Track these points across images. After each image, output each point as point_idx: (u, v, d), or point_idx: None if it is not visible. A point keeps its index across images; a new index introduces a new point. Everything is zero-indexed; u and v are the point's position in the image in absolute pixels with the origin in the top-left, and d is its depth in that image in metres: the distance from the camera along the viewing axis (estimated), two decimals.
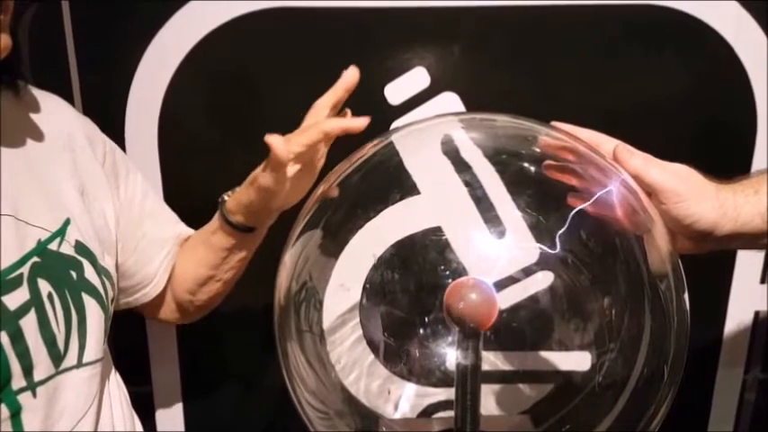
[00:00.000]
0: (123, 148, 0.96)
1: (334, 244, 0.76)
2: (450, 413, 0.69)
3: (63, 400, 0.70)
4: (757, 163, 1.03)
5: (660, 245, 0.68)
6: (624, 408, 0.71)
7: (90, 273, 0.73)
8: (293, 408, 0.73)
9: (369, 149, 0.73)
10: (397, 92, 1.00)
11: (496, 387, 0.92)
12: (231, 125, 1.02)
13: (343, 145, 0.78)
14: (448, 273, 0.74)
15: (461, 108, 1.00)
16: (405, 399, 0.84)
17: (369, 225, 0.76)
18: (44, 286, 0.69)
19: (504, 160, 0.74)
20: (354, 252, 0.77)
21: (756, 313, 1.11)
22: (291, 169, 0.78)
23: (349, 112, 0.81)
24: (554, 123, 0.73)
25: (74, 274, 0.72)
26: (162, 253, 0.89)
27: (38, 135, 0.75)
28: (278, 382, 0.74)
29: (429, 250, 0.78)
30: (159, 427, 1.15)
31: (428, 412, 0.87)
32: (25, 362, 0.66)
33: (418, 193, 0.77)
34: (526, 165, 0.73)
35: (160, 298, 0.91)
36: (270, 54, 0.99)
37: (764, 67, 0.99)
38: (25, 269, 0.68)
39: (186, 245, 0.92)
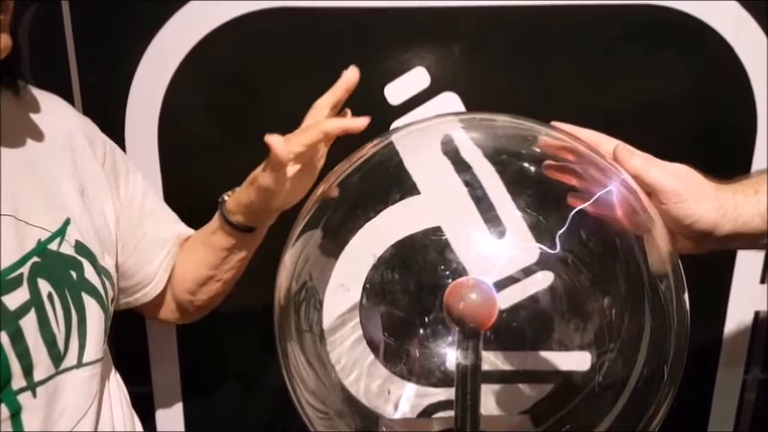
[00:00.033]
0: (123, 148, 0.96)
1: (334, 244, 0.76)
2: (450, 413, 0.69)
3: (63, 400, 0.70)
4: (757, 163, 1.03)
5: (660, 245, 0.68)
6: (624, 408, 0.71)
7: (90, 273, 0.73)
8: (293, 408, 0.73)
9: (369, 149, 0.73)
10: (397, 92, 1.00)
11: (496, 387, 0.92)
12: (231, 125, 1.02)
13: (343, 145, 0.78)
14: (448, 273, 0.74)
15: (461, 108, 1.00)
16: (405, 399, 0.84)
17: (369, 225, 0.76)
18: (44, 286, 0.69)
19: (504, 160, 0.74)
20: (354, 252, 0.77)
21: (756, 313, 1.11)
22: (291, 169, 0.78)
23: (349, 112, 0.81)
24: (554, 123, 0.73)
25: (74, 274, 0.72)
26: (162, 253, 0.89)
27: (38, 135, 0.75)
28: (278, 382, 0.74)
29: (429, 250, 0.78)
30: (159, 427, 1.15)
31: (428, 412, 0.87)
32: (25, 362, 0.66)
33: (418, 193, 0.77)
34: (526, 165, 0.73)
35: (160, 298, 0.91)
36: (270, 54, 0.99)
37: (764, 67, 0.99)
38: (25, 269, 0.68)
39: (186, 245, 0.92)
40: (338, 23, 0.97)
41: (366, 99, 0.82)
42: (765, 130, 1.02)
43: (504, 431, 0.84)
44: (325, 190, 0.74)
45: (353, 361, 0.85)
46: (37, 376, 0.67)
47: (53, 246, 0.71)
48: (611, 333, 0.75)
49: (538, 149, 0.72)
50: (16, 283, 0.67)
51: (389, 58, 0.99)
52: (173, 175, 1.03)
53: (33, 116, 0.76)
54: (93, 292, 0.73)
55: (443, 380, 0.79)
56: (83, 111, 0.96)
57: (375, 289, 0.82)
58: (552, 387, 0.90)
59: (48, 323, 0.68)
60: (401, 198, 0.77)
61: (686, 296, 0.69)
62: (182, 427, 1.16)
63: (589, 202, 0.67)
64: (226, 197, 0.84)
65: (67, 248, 0.72)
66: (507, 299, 0.75)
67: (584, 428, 0.74)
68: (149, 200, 0.89)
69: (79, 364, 0.71)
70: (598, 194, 0.67)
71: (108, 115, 0.96)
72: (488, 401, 0.90)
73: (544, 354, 0.87)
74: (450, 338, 0.73)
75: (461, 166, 0.76)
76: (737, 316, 1.11)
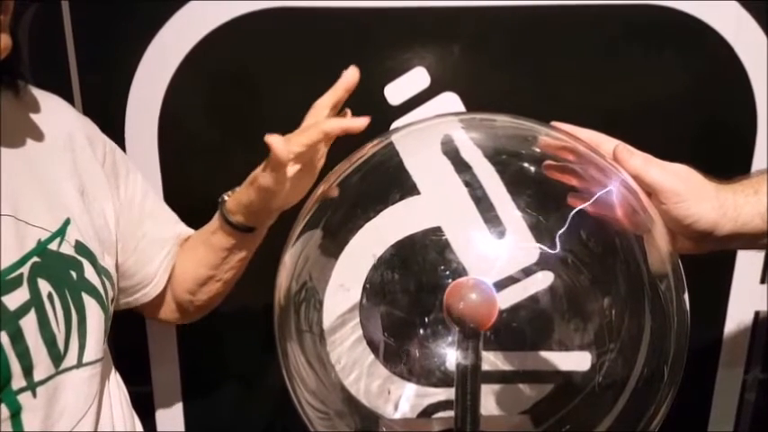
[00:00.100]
0: (123, 148, 0.96)
1: (334, 244, 0.76)
2: (451, 413, 0.69)
3: (63, 400, 0.70)
4: (757, 163, 1.03)
5: (660, 245, 0.68)
6: (624, 408, 0.71)
7: (90, 273, 0.73)
8: (293, 408, 0.73)
9: (369, 149, 0.73)
10: (397, 92, 1.00)
11: (496, 387, 0.92)
12: (231, 125, 1.02)
13: (343, 145, 0.78)
14: (448, 273, 0.74)
15: (461, 108, 1.00)
16: (405, 399, 0.84)
17: (369, 225, 0.76)
18: (44, 286, 0.69)
19: (504, 160, 0.74)
20: (354, 252, 0.77)
21: (756, 313, 1.11)
22: (291, 169, 0.78)
23: (349, 111, 0.81)
24: (554, 123, 0.73)
25: (74, 274, 0.72)
26: (162, 253, 0.89)
27: (38, 135, 0.75)
28: (278, 382, 0.74)
29: (429, 250, 0.78)
30: (159, 427, 1.15)
31: (428, 412, 0.87)
32: (25, 362, 0.66)
33: (418, 193, 0.77)
34: (526, 165, 0.73)
35: (160, 298, 0.91)
36: (270, 54, 0.99)
37: (764, 67, 0.99)
38: (25, 269, 0.68)
39: (186, 245, 0.92)
40: (338, 23, 0.97)
41: (366, 99, 0.82)
42: (765, 130, 1.02)
43: (504, 431, 0.84)
44: (325, 190, 0.74)
45: (353, 361, 0.85)
46: (37, 376, 0.67)
47: (53, 246, 0.71)
48: (611, 333, 0.75)
49: (538, 149, 0.72)
50: (16, 283, 0.67)
51: (389, 58, 0.99)
52: (173, 175, 1.03)
53: (33, 116, 0.76)
54: (93, 292, 0.73)
55: (443, 380, 0.79)
56: (83, 111, 0.97)
57: (375, 289, 0.82)
58: (552, 387, 0.90)
59: (48, 323, 0.68)
60: (401, 198, 0.77)
61: (686, 296, 0.69)
62: (182, 427, 1.16)
63: (589, 202, 0.67)
64: (226, 197, 0.84)
65: (67, 248, 0.72)
66: (507, 299, 0.75)
67: (584, 428, 0.74)
68: (149, 200, 0.89)
69: (79, 364, 0.71)
70: (598, 194, 0.67)
71: (108, 115, 0.96)
72: (488, 401, 0.90)
73: (544, 354, 0.87)
74: (450, 338, 0.73)
75: (461, 166, 0.76)
76: (737, 316, 1.11)
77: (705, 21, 0.97)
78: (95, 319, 0.73)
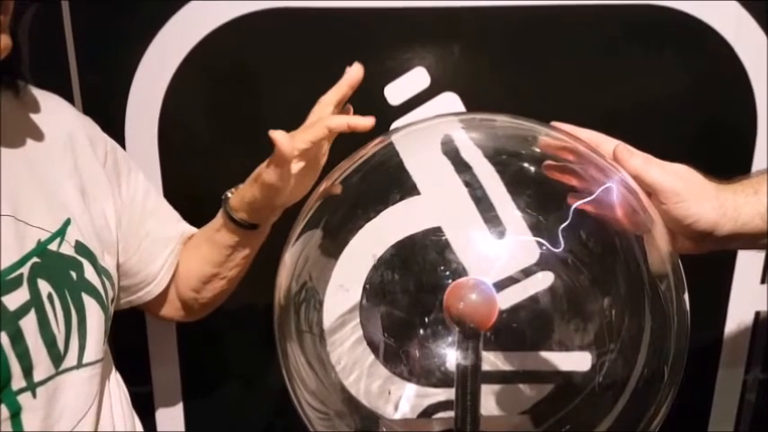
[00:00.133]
0: (123, 147, 0.96)
1: (334, 244, 0.76)
2: (451, 413, 0.69)
3: (63, 401, 0.70)
4: (757, 163, 1.03)
5: (660, 245, 0.68)
6: (624, 408, 0.71)
7: (90, 273, 0.73)
8: (293, 408, 0.73)
9: (368, 150, 0.73)
10: (397, 92, 1.00)
11: (496, 387, 0.92)
12: (231, 125, 1.02)
13: (344, 144, 0.78)
14: (448, 273, 0.74)
15: (461, 108, 1.00)
16: (405, 399, 0.84)
17: (369, 225, 0.76)
18: (44, 287, 0.69)
19: (504, 160, 0.74)
20: (354, 252, 0.77)
21: (757, 313, 1.11)
22: (295, 166, 0.78)
23: (351, 108, 0.81)
24: (554, 123, 0.73)
25: (74, 274, 0.72)
26: (165, 252, 0.89)
27: (38, 135, 0.75)
28: (278, 382, 0.74)
29: (429, 251, 0.78)
30: (159, 427, 1.15)
31: (428, 413, 0.87)
32: (25, 362, 0.66)
33: (418, 193, 0.77)
34: (526, 165, 0.73)
35: (163, 296, 0.91)
36: (270, 54, 0.99)
37: (764, 67, 0.99)
38: (25, 269, 0.68)
39: (190, 243, 0.92)
40: (338, 23, 0.97)
41: (366, 99, 0.82)
42: (765, 130, 1.02)
43: (503, 431, 0.84)
44: (327, 187, 0.74)
45: (354, 361, 0.85)
46: (37, 377, 0.67)
47: (53, 246, 0.71)
48: (611, 333, 0.75)
49: (538, 150, 0.72)
50: (16, 284, 0.67)
51: (389, 58, 0.99)
52: (173, 174, 1.03)
53: (33, 116, 0.76)
54: (93, 292, 0.73)
55: (443, 380, 0.79)
56: (83, 111, 0.96)
57: (375, 289, 0.82)
58: (552, 387, 0.89)
59: (48, 324, 0.68)
60: (401, 198, 0.76)
61: (686, 296, 0.69)
62: (182, 427, 1.16)
63: (591, 198, 0.67)
64: (229, 194, 0.84)
65: (67, 249, 0.72)
66: (507, 299, 0.75)
67: (584, 429, 0.74)
68: (151, 198, 0.89)
69: (79, 365, 0.71)
70: (600, 189, 0.67)
71: (108, 115, 0.96)
72: (488, 402, 0.90)
73: (544, 354, 0.87)
74: (450, 339, 0.73)
75: (461, 166, 0.76)
76: (738, 316, 1.11)
77: (705, 21, 0.97)
78: (95, 320, 0.73)
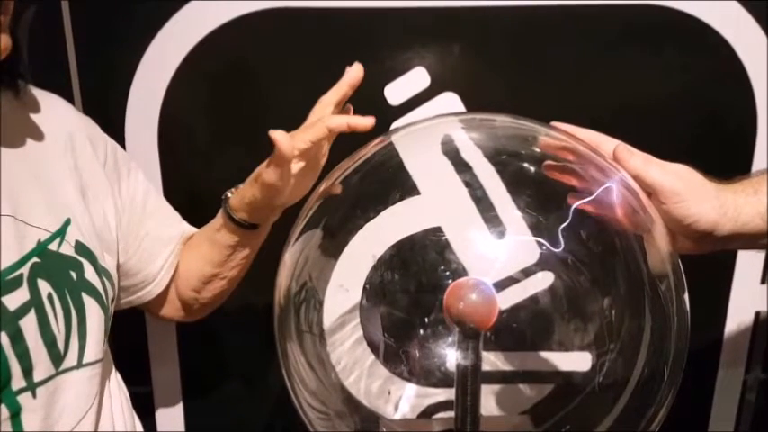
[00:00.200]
0: (123, 147, 0.96)
1: (333, 244, 0.76)
2: (451, 414, 0.69)
3: (63, 401, 0.70)
4: (757, 163, 1.03)
5: (660, 245, 0.68)
6: (624, 408, 0.71)
7: (90, 273, 0.73)
8: (293, 408, 0.73)
9: (368, 150, 0.73)
10: (397, 92, 1.00)
11: (496, 387, 0.92)
12: (231, 125, 1.02)
13: (344, 144, 0.78)
14: (448, 273, 0.74)
15: (461, 108, 1.00)
16: (405, 399, 0.84)
17: (369, 225, 0.76)
18: (44, 287, 0.69)
19: (504, 160, 0.74)
20: (354, 252, 0.77)
21: (757, 314, 1.11)
22: (296, 166, 0.78)
23: (351, 108, 0.81)
24: (554, 123, 0.73)
25: (74, 274, 0.72)
26: (165, 252, 0.89)
27: (38, 135, 0.75)
28: (278, 382, 0.74)
29: (429, 251, 0.78)
30: (159, 427, 1.15)
31: (428, 413, 0.87)
32: (25, 362, 0.66)
33: (418, 193, 0.77)
34: (526, 165, 0.73)
35: (163, 296, 0.91)
36: (270, 54, 0.99)
37: (764, 67, 0.99)
38: (25, 270, 0.68)
39: (190, 243, 0.92)
40: (338, 23, 0.97)
41: (366, 99, 0.82)
42: (765, 130, 1.02)
43: (503, 431, 0.84)
44: (327, 187, 0.74)
45: (354, 361, 0.85)
46: (37, 377, 0.67)
47: (53, 246, 0.71)
48: (611, 333, 0.75)
49: (538, 150, 0.72)
50: (16, 284, 0.67)
51: (389, 58, 0.99)
52: (173, 175, 1.03)
53: (34, 116, 0.76)
54: (93, 292, 0.73)
55: (443, 380, 0.79)
56: (83, 111, 0.97)
57: (375, 289, 0.82)
58: (552, 387, 0.89)
59: (48, 324, 0.68)
60: (401, 198, 0.76)
61: (686, 296, 0.69)
62: (182, 427, 1.16)
63: (591, 198, 0.67)
64: (229, 194, 0.84)
65: (67, 249, 0.72)
66: (507, 299, 0.75)
67: (584, 429, 0.74)
68: (151, 198, 0.89)
69: (79, 365, 0.71)
70: (600, 189, 0.67)
71: (108, 115, 0.96)
72: (488, 402, 0.90)
73: (544, 354, 0.87)
74: (450, 339, 0.73)
75: (461, 166, 0.76)
76: (738, 316, 1.11)
77: (705, 21, 0.97)
78: (95, 320, 0.73)
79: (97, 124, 0.85)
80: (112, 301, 0.78)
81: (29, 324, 0.67)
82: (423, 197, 0.77)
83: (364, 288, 0.82)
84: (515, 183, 0.75)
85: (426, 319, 0.76)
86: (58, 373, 0.69)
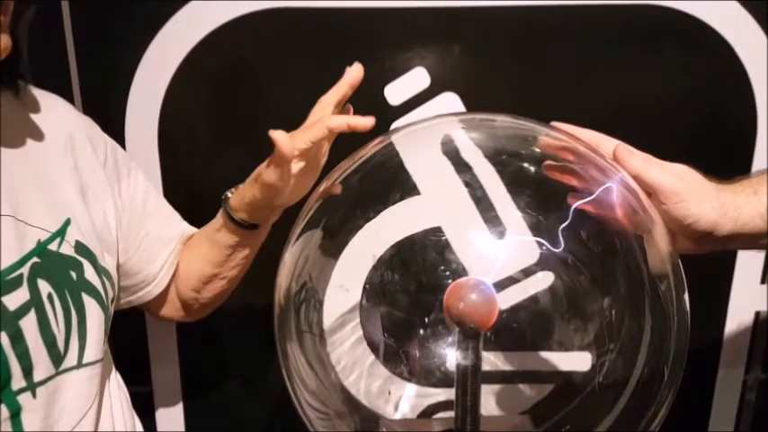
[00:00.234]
0: (123, 147, 0.96)
1: (333, 244, 0.76)
2: (451, 414, 0.69)
3: (63, 401, 0.70)
4: (757, 163, 1.03)
5: (660, 245, 0.68)
6: (624, 408, 0.71)
7: (90, 273, 0.73)
8: (293, 408, 0.73)
9: (368, 150, 0.73)
10: (396, 92, 1.00)
11: (496, 387, 0.92)
12: (231, 125, 1.02)
13: (344, 144, 0.78)
14: (448, 273, 0.74)
15: (461, 108, 1.00)
16: (405, 399, 0.84)
17: (369, 225, 0.76)
18: (44, 287, 0.69)
19: (504, 160, 0.74)
20: (354, 252, 0.77)
21: (757, 314, 1.11)
22: (296, 166, 0.77)
23: (351, 108, 0.81)
24: (554, 123, 0.73)
25: (74, 274, 0.72)
26: (165, 252, 0.89)
27: (38, 135, 0.75)
28: (278, 382, 0.74)
29: (429, 251, 0.78)
30: (159, 427, 1.15)
31: (428, 413, 0.87)
32: (25, 362, 0.66)
33: (418, 193, 0.77)
34: (526, 165, 0.73)
35: (163, 296, 0.91)
36: (270, 54, 0.99)
37: (764, 67, 0.99)
38: (25, 270, 0.68)
39: (190, 243, 0.92)
40: (338, 23, 0.97)
41: (366, 99, 0.82)
42: (765, 130, 1.02)
43: (503, 431, 0.84)
44: (327, 187, 0.74)
45: (354, 361, 0.85)
46: (37, 377, 0.67)
47: (53, 246, 0.71)
48: (611, 333, 0.75)
49: (538, 150, 0.72)
50: (16, 284, 0.67)
51: (389, 58, 0.99)
52: (173, 174, 1.03)
53: (34, 116, 0.76)
54: (93, 292, 0.73)
55: (443, 380, 0.79)
56: (83, 111, 0.97)
57: (375, 289, 0.82)
58: (552, 387, 0.90)
59: (47, 324, 0.68)
60: (401, 198, 0.76)
61: (686, 296, 0.69)
62: (182, 427, 1.16)
63: (591, 197, 0.67)
64: (229, 194, 0.84)
65: (67, 249, 0.72)
66: (507, 299, 0.75)
67: (584, 429, 0.74)
68: (151, 198, 0.89)
69: (79, 365, 0.71)
70: (600, 189, 0.67)
71: (108, 115, 0.96)
72: (488, 402, 0.90)
73: (544, 354, 0.87)
74: (450, 339, 0.73)
75: (461, 166, 0.76)
76: (738, 316, 1.11)
77: (705, 21, 0.97)
78: (95, 320, 0.73)
79: (97, 124, 0.85)
80: (112, 301, 0.78)
81: (29, 324, 0.67)
82: (423, 197, 0.77)
83: (364, 288, 0.82)
84: (515, 183, 0.75)
85: (426, 319, 0.76)
86: (57, 373, 0.69)
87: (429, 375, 0.80)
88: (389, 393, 0.85)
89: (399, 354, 0.80)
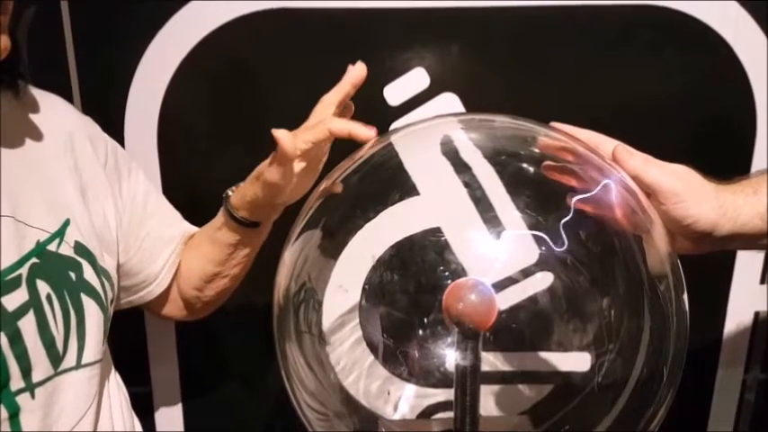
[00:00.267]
0: (123, 147, 0.96)
1: (333, 245, 0.76)
2: (450, 414, 0.69)
3: (62, 401, 0.70)
4: (757, 163, 1.03)
5: (659, 245, 0.68)
6: (623, 408, 0.71)
7: (89, 274, 0.73)
8: (292, 409, 0.73)
9: (368, 150, 0.73)
10: (396, 92, 1.00)
11: (496, 388, 0.92)
12: (231, 126, 1.02)
13: (344, 144, 0.77)
14: (447, 273, 0.74)
15: (461, 109, 1.00)
16: (404, 400, 0.84)
17: (368, 226, 0.76)
18: (43, 287, 0.69)
19: (503, 161, 0.74)
20: (354, 253, 0.77)
21: (756, 314, 1.11)
22: (297, 165, 0.77)
23: (352, 107, 0.81)
24: (553, 124, 0.73)
25: (73, 275, 0.72)
26: (167, 251, 0.89)
27: (38, 135, 0.75)
28: (277, 382, 0.74)
29: (428, 251, 0.78)
30: (159, 427, 1.15)
31: (427, 413, 0.87)
32: (24, 363, 0.66)
33: (417, 193, 0.77)
34: (525, 165, 0.73)
35: (165, 296, 0.92)
36: (270, 54, 0.99)
37: (764, 67, 0.99)
38: (24, 270, 0.68)
39: (191, 242, 0.92)
40: (338, 23, 0.97)
41: (365, 100, 0.81)
42: (765, 130, 1.02)
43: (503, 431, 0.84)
44: (327, 187, 0.74)
45: (353, 362, 0.85)
46: (35, 377, 0.67)
47: (52, 247, 0.71)
48: (610, 334, 0.75)
49: (537, 150, 0.72)
50: (15, 285, 0.67)
51: (389, 58, 0.99)
52: (172, 174, 1.03)
53: (33, 117, 0.76)
54: (92, 293, 0.73)
55: (443, 381, 0.79)
56: (82, 111, 0.96)
57: (374, 290, 0.81)
58: (551, 388, 0.90)
59: (46, 324, 0.68)
60: (400, 199, 0.76)
61: (685, 297, 0.69)
62: (181, 427, 1.16)
63: (590, 194, 0.67)
64: (230, 192, 0.84)
65: (66, 249, 0.72)
66: (506, 300, 0.75)
67: (583, 429, 0.74)
68: (152, 198, 0.89)
69: (78, 366, 0.71)
70: (598, 189, 0.67)
71: (108, 115, 0.96)
72: (488, 402, 0.90)
73: (543, 354, 0.87)
74: (449, 339, 0.73)
75: (461, 166, 0.76)
76: (737, 316, 1.11)
77: (705, 21, 0.97)
78: (94, 320, 0.73)
79: (97, 124, 0.85)
80: (112, 301, 0.78)
81: (28, 325, 0.67)
82: (422, 197, 0.77)
83: (363, 288, 0.82)
84: (515, 183, 0.75)
85: (425, 320, 0.76)
86: (56, 374, 0.69)
87: (428, 376, 0.80)
88: (389, 394, 0.85)
89: (398, 354, 0.80)
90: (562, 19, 0.97)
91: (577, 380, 0.79)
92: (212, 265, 0.89)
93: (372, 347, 0.85)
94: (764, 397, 1.15)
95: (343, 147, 0.77)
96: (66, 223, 0.73)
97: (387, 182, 0.75)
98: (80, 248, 0.74)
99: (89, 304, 0.72)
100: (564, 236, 0.65)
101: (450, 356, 0.72)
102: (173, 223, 0.91)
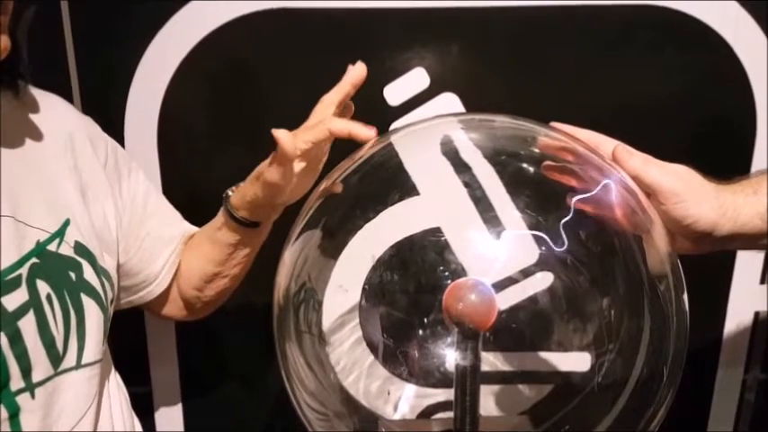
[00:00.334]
0: (123, 147, 0.96)
1: (333, 245, 0.76)
2: (450, 414, 0.69)
3: (62, 401, 0.70)
4: (757, 163, 1.03)
5: (659, 245, 0.68)
6: (623, 408, 0.71)
7: (89, 274, 0.73)
8: (292, 409, 0.73)
9: (368, 150, 0.73)
10: (396, 93, 1.00)
11: (496, 388, 0.92)
12: (231, 126, 1.02)
13: (344, 144, 0.77)
14: (447, 273, 0.74)
15: (461, 109, 1.00)
16: (404, 400, 0.84)
17: (368, 226, 0.76)
18: (43, 287, 0.69)
19: (503, 161, 0.74)
20: (354, 253, 0.77)
21: (756, 314, 1.11)
22: (297, 165, 0.77)
23: (352, 106, 0.80)
24: (553, 124, 0.73)
25: (73, 275, 0.72)
26: (167, 251, 0.89)
27: (38, 135, 0.75)
28: (277, 382, 0.74)
29: (428, 251, 0.78)
30: (159, 427, 1.15)
31: (427, 413, 0.87)
32: (24, 363, 0.66)
33: (417, 193, 0.77)
34: (525, 165, 0.73)
35: (165, 296, 0.92)
36: (270, 54, 0.99)
37: (764, 67, 0.99)
38: (24, 270, 0.68)
39: (191, 242, 0.92)
40: (338, 23, 0.97)
41: (365, 100, 0.81)
42: (765, 130, 1.02)
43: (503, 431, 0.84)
44: (327, 187, 0.74)
45: (353, 362, 0.85)
46: (35, 377, 0.67)
47: (52, 247, 0.71)
48: (610, 334, 0.75)
49: (537, 150, 0.72)
50: (15, 285, 0.67)
51: (389, 59, 0.99)
52: (172, 174, 1.03)
53: (33, 117, 0.76)
54: (92, 293, 0.73)
55: (443, 381, 0.79)
56: (82, 111, 0.96)
57: (374, 290, 0.81)
58: (551, 388, 0.90)
59: (46, 324, 0.68)
60: (400, 199, 0.76)
61: (685, 297, 0.69)
62: (181, 427, 1.16)
63: (590, 194, 0.67)
64: (230, 192, 0.84)
65: (66, 249, 0.72)
66: (506, 300, 0.75)
67: (583, 429, 0.74)
68: (152, 198, 0.89)
69: (78, 366, 0.71)
70: (598, 188, 0.67)
71: (108, 115, 0.96)
72: (488, 402, 0.90)
73: (543, 354, 0.87)
74: (449, 339, 0.73)
75: (461, 166, 0.76)
76: (737, 316, 1.11)
77: (705, 21, 0.97)
78: (94, 321, 0.73)
79: (97, 124, 0.85)
80: (112, 301, 0.78)
81: (28, 325, 0.67)
82: (422, 197, 0.77)
83: (363, 288, 0.82)
84: (515, 183, 0.75)
85: (425, 320, 0.76)
86: (56, 374, 0.69)
87: (428, 376, 0.80)
88: (389, 394, 0.85)
89: (398, 354, 0.80)
90: (562, 19, 0.97)
91: (577, 380, 0.79)
92: (212, 265, 0.89)
93: (372, 347, 0.85)
94: (764, 397, 1.15)
95: (343, 147, 0.77)
96: (66, 223, 0.73)
97: (387, 182, 0.75)
98: (80, 248, 0.74)
99: (89, 304, 0.72)
100: (564, 236, 0.65)
101: (450, 356, 0.72)
102: (173, 223, 0.91)
